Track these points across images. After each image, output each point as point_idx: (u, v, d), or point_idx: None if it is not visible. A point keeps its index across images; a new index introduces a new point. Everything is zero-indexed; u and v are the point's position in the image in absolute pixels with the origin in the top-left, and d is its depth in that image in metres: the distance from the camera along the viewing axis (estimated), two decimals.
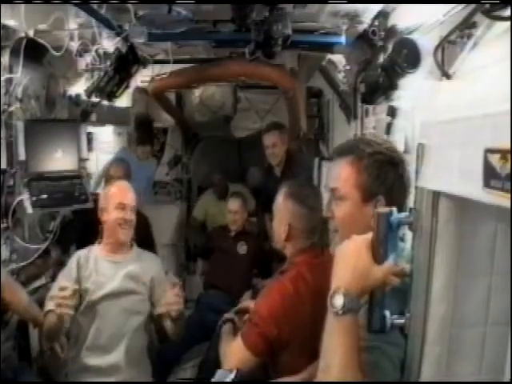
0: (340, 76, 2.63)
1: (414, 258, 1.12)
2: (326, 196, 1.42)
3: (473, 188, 0.86)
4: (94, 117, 3.13)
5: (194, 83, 3.89)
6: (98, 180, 3.41)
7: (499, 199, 0.79)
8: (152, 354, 2.37)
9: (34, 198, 2.40)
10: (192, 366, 2.95)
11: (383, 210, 0.99)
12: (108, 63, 2.43)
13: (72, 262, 2.19)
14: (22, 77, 2.22)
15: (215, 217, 4.37)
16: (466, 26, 1.24)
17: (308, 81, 3.72)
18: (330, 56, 2.68)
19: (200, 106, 4.43)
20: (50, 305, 1.97)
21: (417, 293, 1.08)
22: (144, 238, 2.86)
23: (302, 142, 3.86)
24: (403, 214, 1.02)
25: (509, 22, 1.02)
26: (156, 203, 4.48)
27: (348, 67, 2.47)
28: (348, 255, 0.96)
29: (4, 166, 2.22)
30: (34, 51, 2.20)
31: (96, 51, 2.35)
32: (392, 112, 1.93)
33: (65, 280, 2.07)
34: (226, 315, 1.98)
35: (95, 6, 1.95)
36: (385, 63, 1.91)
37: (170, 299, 1.96)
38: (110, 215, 2.18)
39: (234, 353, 1.68)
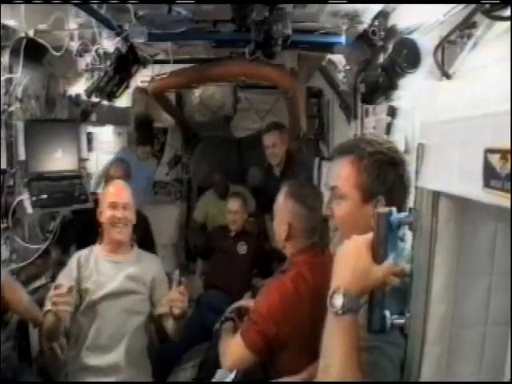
0: (340, 76, 2.63)
1: (414, 258, 1.12)
2: (326, 195, 1.42)
3: (473, 188, 0.86)
4: (93, 117, 3.13)
5: (194, 83, 3.89)
6: (99, 180, 3.41)
7: (499, 199, 0.79)
8: (152, 354, 2.37)
9: (34, 198, 2.40)
10: (192, 365, 2.95)
11: (383, 210, 0.99)
12: (108, 63, 2.43)
13: (72, 262, 2.19)
14: (22, 77, 2.22)
15: (215, 217, 4.38)
16: (466, 26, 1.24)
17: (308, 81, 3.72)
18: (330, 56, 2.68)
19: (200, 106, 4.43)
20: (48, 305, 1.97)
21: (417, 293, 1.08)
22: (144, 237, 2.86)
23: (301, 142, 3.86)
24: (403, 214, 1.02)
25: (509, 22, 1.02)
26: (156, 203, 4.48)
27: (348, 67, 2.47)
28: (348, 255, 0.96)
29: (4, 166, 2.22)
30: (34, 51, 2.20)
31: (96, 51, 2.35)
32: (392, 112, 1.93)
33: (65, 280, 2.06)
34: (227, 313, 1.98)
35: (95, 6, 1.95)
36: (385, 63, 1.91)
37: (174, 296, 1.95)
38: (105, 215, 2.19)
39: (233, 350, 1.69)
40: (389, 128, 1.96)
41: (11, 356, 2.15)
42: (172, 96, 4.41)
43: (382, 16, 1.97)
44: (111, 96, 2.64)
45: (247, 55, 2.32)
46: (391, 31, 1.94)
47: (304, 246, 1.79)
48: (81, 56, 2.37)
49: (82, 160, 2.83)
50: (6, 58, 2.12)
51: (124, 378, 2.09)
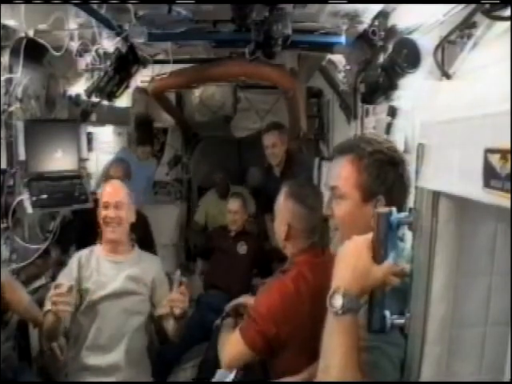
0: (340, 76, 2.62)
1: (414, 258, 1.12)
2: (326, 195, 1.42)
3: (473, 188, 0.86)
4: (93, 117, 3.13)
5: (194, 83, 3.88)
6: (99, 180, 3.41)
7: (499, 199, 0.79)
8: (152, 354, 2.37)
9: (34, 198, 2.40)
10: (192, 366, 2.95)
11: (383, 210, 0.99)
12: (108, 63, 2.43)
13: (73, 262, 2.19)
14: (22, 77, 2.23)
15: (215, 217, 4.38)
16: (466, 26, 1.24)
17: (308, 81, 3.72)
18: (330, 56, 2.68)
19: (200, 106, 4.43)
20: (48, 304, 1.97)
21: (417, 293, 1.08)
22: (143, 237, 2.86)
23: (301, 142, 3.86)
24: (403, 214, 1.02)
25: (509, 22, 1.02)
26: (156, 203, 4.48)
27: (348, 67, 2.47)
28: (348, 255, 0.96)
29: (4, 166, 2.22)
30: (34, 51, 2.20)
31: (96, 51, 2.35)
32: (392, 112, 1.93)
33: (65, 280, 2.06)
34: (227, 309, 1.98)
35: (95, 6, 1.94)
36: (385, 63, 1.91)
37: (175, 296, 1.95)
38: (100, 215, 2.20)
39: (232, 347, 1.70)
40: (389, 128, 1.96)
41: (11, 356, 2.15)
42: (172, 96, 4.41)
43: (382, 16, 1.97)
44: (111, 96, 2.64)
45: (247, 55, 2.32)
46: (391, 31, 1.94)
47: (304, 246, 1.79)
48: (81, 56, 2.37)
49: (82, 160, 2.83)
50: (6, 58, 2.12)
51: (124, 377, 2.09)
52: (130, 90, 3.44)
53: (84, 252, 2.24)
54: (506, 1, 1.03)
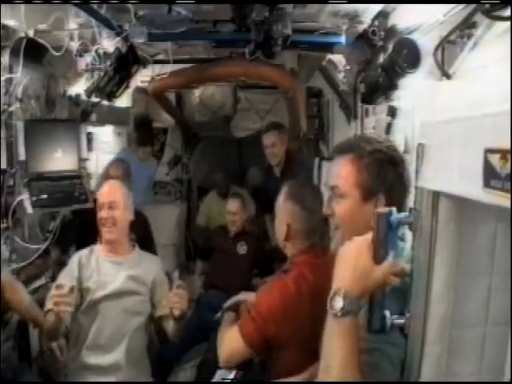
0: (340, 76, 2.62)
1: (414, 258, 1.12)
2: (326, 194, 1.42)
3: (473, 188, 0.86)
4: (93, 117, 3.13)
5: (194, 83, 3.88)
6: (100, 180, 3.41)
7: (499, 199, 0.79)
8: (152, 354, 2.37)
9: (34, 198, 2.40)
10: (192, 366, 2.96)
11: (383, 210, 0.99)
12: (108, 63, 2.42)
13: (73, 262, 2.19)
14: (22, 77, 2.22)
15: (216, 218, 4.37)
16: (466, 26, 1.24)
17: (308, 81, 3.72)
18: (330, 56, 2.68)
19: (200, 106, 4.42)
20: (49, 304, 1.97)
21: (417, 293, 1.08)
22: (143, 237, 2.86)
23: (301, 142, 3.86)
24: (403, 214, 1.02)
25: (509, 22, 1.02)
26: (156, 203, 4.48)
27: (348, 67, 2.47)
28: (348, 256, 0.96)
29: (4, 166, 2.22)
30: (34, 51, 2.20)
31: (96, 51, 2.35)
32: (392, 112, 1.93)
33: (66, 279, 2.06)
34: (227, 306, 1.97)
35: (95, 6, 1.94)
36: (385, 63, 1.91)
37: (174, 298, 1.95)
38: (97, 215, 2.20)
39: (231, 343, 1.70)
40: (389, 128, 1.96)
41: (11, 356, 2.15)
42: (172, 96, 4.41)
43: (382, 16, 1.96)
44: (111, 96, 2.64)
45: (247, 55, 2.31)
46: (391, 31, 1.94)
47: (304, 247, 1.79)
48: (81, 56, 2.37)
49: (82, 160, 2.83)
50: (6, 58, 2.12)
51: (124, 377, 2.09)
52: (129, 90, 3.44)
53: (84, 252, 2.24)
54: (506, 1, 1.03)
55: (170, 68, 2.85)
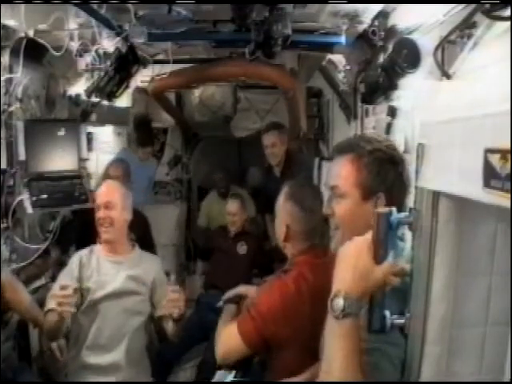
0: (340, 76, 2.62)
1: (414, 258, 1.12)
2: (326, 194, 1.42)
3: (473, 188, 0.86)
4: (93, 117, 3.13)
5: (194, 83, 3.88)
6: (100, 181, 3.41)
7: (499, 199, 0.79)
8: (152, 354, 2.37)
9: (34, 198, 2.40)
10: (192, 366, 2.96)
11: (383, 209, 0.99)
12: (108, 63, 2.42)
13: (73, 262, 2.18)
14: (22, 77, 2.22)
15: (217, 219, 4.37)
16: (466, 26, 1.24)
17: (308, 81, 3.72)
18: (330, 56, 2.68)
19: (200, 106, 4.42)
20: (50, 304, 1.97)
21: (417, 293, 1.08)
22: (143, 237, 2.86)
23: (301, 142, 3.86)
24: (403, 214, 1.02)
25: (509, 22, 1.02)
26: (156, 203, 4.48)
27: (348, 67, 2.47)
28: (349, 256, 0.96)
29: (4, 166, 2.22)
30: (34, 51, 2.20)
31: (96, 51, 2.35)
32: (392, 112, 1.93)
33: (66, 279, 2.07)
34: (226, 298, 1.96)
35: (95, 6, 1.94)
36: (385, 63, 1.91)
37: (168, 304, 1.96)
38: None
39: (228, 340, 1.70)
40: (389, 128, 1.96)
41: (11, 356, 2.15)
42: (172, 96, 4.40)
43: (382, 16, 1.96)
44: (111, 96, 2.64)
45: (247, 55, 2.31)
46: (391, 31, 1.94)
47: (303, 247, 1.79)
48: (81, 56, 2.37)
49: (82, 160, 2.83)
50: (6, 58, 2.12)
51: (124, 377, 2.09)
52: (129, 90, 3.44)
53: (84, 252, 2.24)
54: (506, 1, 1.03)
55: (169, 68, 2.85)
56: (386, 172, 1.15)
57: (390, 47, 1.90)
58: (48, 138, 2.53)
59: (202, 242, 4.21)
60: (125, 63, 2.46)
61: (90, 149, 3.27)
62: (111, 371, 2.08)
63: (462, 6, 1.27)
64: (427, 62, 1.54)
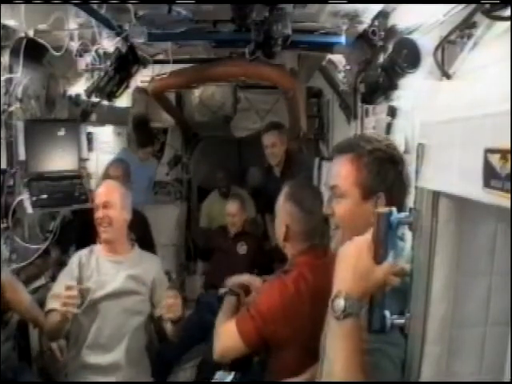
0: (340, 76, 2.63)
1: (414, 257, 1.12)
2: (326, 194, 1.42)
3: (473, 188, 0.86)
4: (94, 117, 3.13)
5: (194, 83, 3.88)
6: (99, 181, 3.41)
7: (499, 199, 0.79)
8: (152, 354, 2.37)
9: (34, 198, 2.40)
10: (192, 366, 2.96)
11: (383, 209, 0.99)
12: (108, 63, 2.42)
13: (73, 262, 2.18)
14: (22, 77, 2.22)
15: (217, 219, 4.37)
16: (466, 26, 1.24)
17: (308, 81, 3.72)
18: (330, 56, 2.68)
19: (200, 106, 4.42)
20: (52, 304, 1.97)
21: (417, 293, 1.08)
22: (143, 237, 2.86)
23: (301, 142, 3.86)
24: (403, 214, 1.02)
25: (509, 22, 1.02)
26: (156, 203, 4.48)
27: (348, 67, 2.47)
28: (349, 256, 0.96)
29: (4, 166, 2.22)
30: (34, 51, 2.20)
31: (96, 51, 2.35)
32: (392, 112, 1.93)
33: (66, 279, 2.07)
34: (230, 285, 1.96)
35: (95, 6, 1.94)
36: (385, 63, 1.91)
37: (167, 309, 1.96)
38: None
39: (228, 337, 1.70)
40: (389, 128, 1.96)
41: (11, 356, 2.15)
42: (172, 96, 4.40)
43: (382, 16, 1.97)
44: (111, 96, 2.64)
45: (247, 55, 2.31)
46: (391, 31, 1.94)
47: (303, 248, 1.79)
48: (81, 56, 2.37)
49: (82, 160, 2.83)
50: (6, 58, 2.12)
51: (124, 376, 2.09)
52: (129, 90, 3.44)
53: (84, 252, 2.24)
54: (506, 1, 1.03)
55: (170, 68, 2.85)
56: (385, 172, 1.15)
57: (390, 47, 1.90)
58: (48, 138, 2.53)
59: (202, 242, 4.21)
60: (125, 63, 2.46)
61: (90, 149, 3.27)
62: (111, 371, 2.08)
63: (461, 6, 1.27)
64: (427, 62, 1.54)
